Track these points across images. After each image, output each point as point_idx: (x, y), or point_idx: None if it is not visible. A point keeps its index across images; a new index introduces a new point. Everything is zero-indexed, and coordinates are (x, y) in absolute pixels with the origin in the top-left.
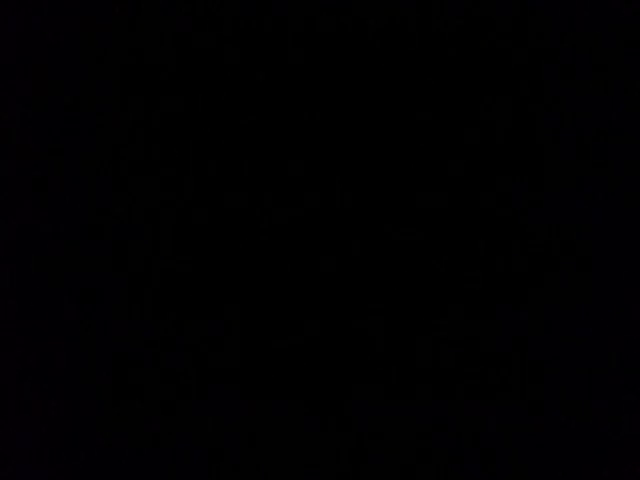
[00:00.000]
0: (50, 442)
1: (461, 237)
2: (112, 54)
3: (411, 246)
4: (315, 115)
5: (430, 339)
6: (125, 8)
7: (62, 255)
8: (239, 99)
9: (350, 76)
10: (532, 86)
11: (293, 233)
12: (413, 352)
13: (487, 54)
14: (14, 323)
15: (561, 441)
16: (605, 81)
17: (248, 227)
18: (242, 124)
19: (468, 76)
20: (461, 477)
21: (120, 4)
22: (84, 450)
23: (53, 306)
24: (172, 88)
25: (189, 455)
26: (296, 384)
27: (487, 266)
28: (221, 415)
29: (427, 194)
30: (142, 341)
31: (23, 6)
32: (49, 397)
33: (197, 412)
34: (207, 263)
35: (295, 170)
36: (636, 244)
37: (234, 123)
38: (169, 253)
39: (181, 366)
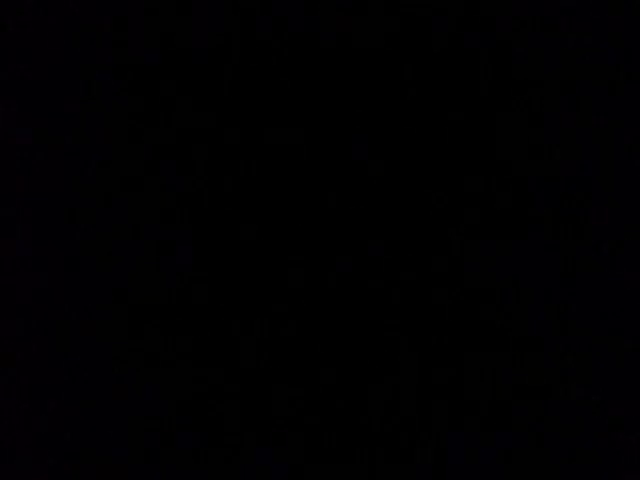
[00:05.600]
0: (50, 442)
1: (460, 240)
2: (111, 54)
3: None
4: (312, 115)
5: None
6: (124, 8)
7: (61, 255)
8: (238, 100)
9: (347, 77)
10: (532, 88)
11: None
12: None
13: (485, 55)
14: (14, 323)
15: (561, 438)
16: (606, 85)
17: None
18: (241, 124)
19: (465, 77)
20: (460, 475)
21: (119, 4)
22: (83, 450)
23: (52, 305)
24: (169, 89)
25: (189, 454)
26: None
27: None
28: (221, 413)
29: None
30: (141, 342)
31: (23, 6)
32: (49, 398)
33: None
34: (205, 265)
35: (289, 169)
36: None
37: (233, 123)
38: (168, 257)
39: (180, 367)
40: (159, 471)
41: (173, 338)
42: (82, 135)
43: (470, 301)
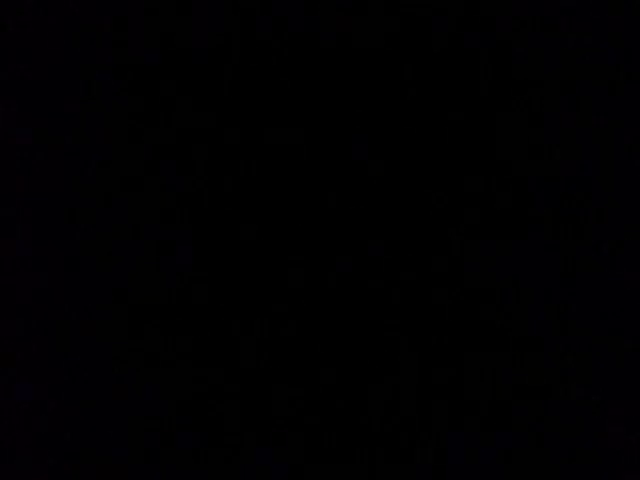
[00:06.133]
0: (50, 442)
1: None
2: (111, 54)
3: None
4: (312, 115)
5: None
6: (123, 8)
7: (61, 255)
8: (238, 100)
9: (344, 78)
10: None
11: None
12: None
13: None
14: (14, 323)
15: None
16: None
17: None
18: (241, 124)
19: (463, 80)
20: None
21: (119, 4)
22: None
23: (52, 305)
24: (166, 91)
25: (188, 454)
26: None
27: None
28: (221, 412)
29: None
30: (140, 343)
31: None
32: (49, 398)
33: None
34: (203, 269)
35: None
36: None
37: (233, 123)
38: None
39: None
40: (159, 471)
41: (173, 338)
42: (82, 135)
43: (470, 301)
